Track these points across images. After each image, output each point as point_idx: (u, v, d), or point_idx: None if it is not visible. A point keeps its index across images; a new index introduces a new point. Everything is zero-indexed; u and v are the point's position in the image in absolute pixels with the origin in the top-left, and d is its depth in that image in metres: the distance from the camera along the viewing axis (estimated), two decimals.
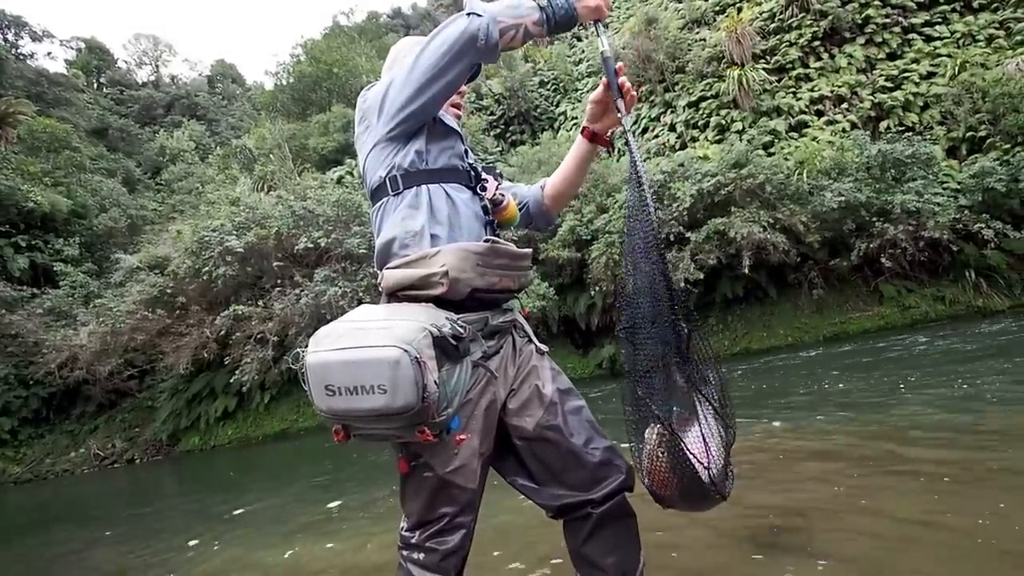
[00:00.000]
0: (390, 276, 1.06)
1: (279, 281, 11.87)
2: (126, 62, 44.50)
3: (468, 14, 1.00)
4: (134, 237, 19.59)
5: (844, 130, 12.53)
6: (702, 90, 14.75)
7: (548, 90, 22.46)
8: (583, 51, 22.00)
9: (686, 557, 1.79)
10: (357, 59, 22.73)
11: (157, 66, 45.94)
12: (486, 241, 1.08)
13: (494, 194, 1.18)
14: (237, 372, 10.93)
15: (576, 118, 19.80)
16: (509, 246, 1.12)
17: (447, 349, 0.91)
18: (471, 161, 1.21)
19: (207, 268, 11.67)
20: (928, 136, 11.61)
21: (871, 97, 12.70)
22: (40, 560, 4.16)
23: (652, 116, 16.00)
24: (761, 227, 10.00)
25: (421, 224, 1.06)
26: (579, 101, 20.39)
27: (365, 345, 0.85)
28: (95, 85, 38.09)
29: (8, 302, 15.13)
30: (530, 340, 1.23)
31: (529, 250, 1.21)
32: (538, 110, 22.16)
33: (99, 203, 21.33)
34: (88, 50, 39.43)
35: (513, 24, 1.01)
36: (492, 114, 22.54)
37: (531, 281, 1.28)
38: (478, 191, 1.17)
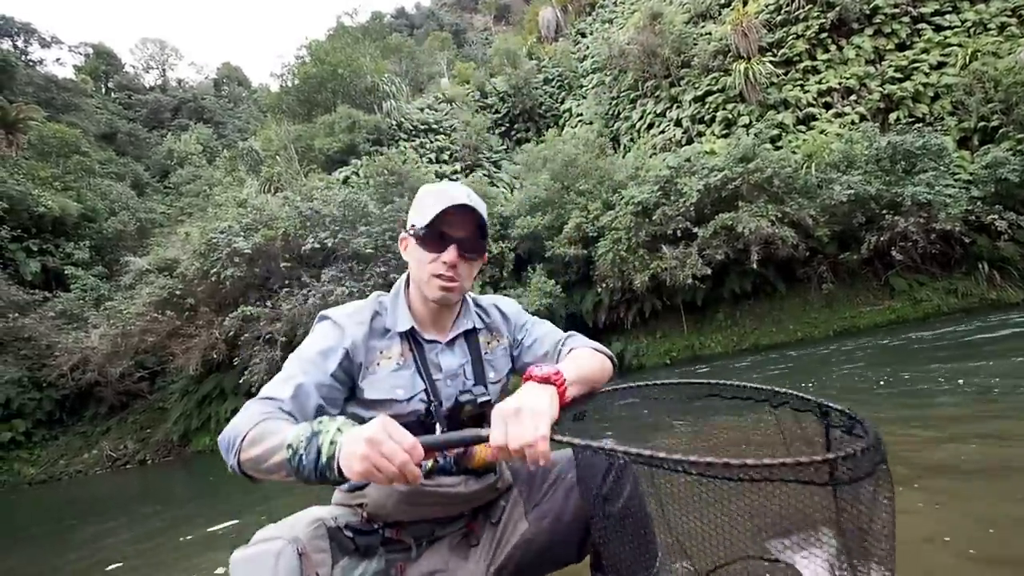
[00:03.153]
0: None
1: (287, 282, 11.94)
2: (133, 67, 45.04)
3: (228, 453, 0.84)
4: (143, 240, 19.82)
5: (853, 122, 12.39)
6: (708, 84, 14.65)
7: (553, 87, 22.41)
8: (587, 47, 21.93)
9: None
10: (361, 59, 22.79)
11: (164, 70, 46.40)
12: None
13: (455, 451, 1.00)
14: (246, 373, 11.01)
15: (581, 115, 19.75)
16: (446, 489, 0.99)
17: (343, 543, 0.90)
18: (432, 405, 1.01)
19: (215, 269, 11.76)
20: (939, 127, 11.45)
21: (880, 88, 12.54)
22: (57, 560, 4.21)
23: (658, 111, 15.92)
24: (769, 221, 9.92)
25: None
26: (584, 98, 20.34)
27: (262, 539, 0.85)
28: (103, 90, 38.53)
29: (21, 306, 15.35)
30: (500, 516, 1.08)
31: (489, 478, 1.05)
32: (543, 107, 22.13)
33: (108, 207, 21.59)
34: (96, 55, 39.86)
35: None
36: (497, 112, 22.54)
37: (497, 490, 1.09)
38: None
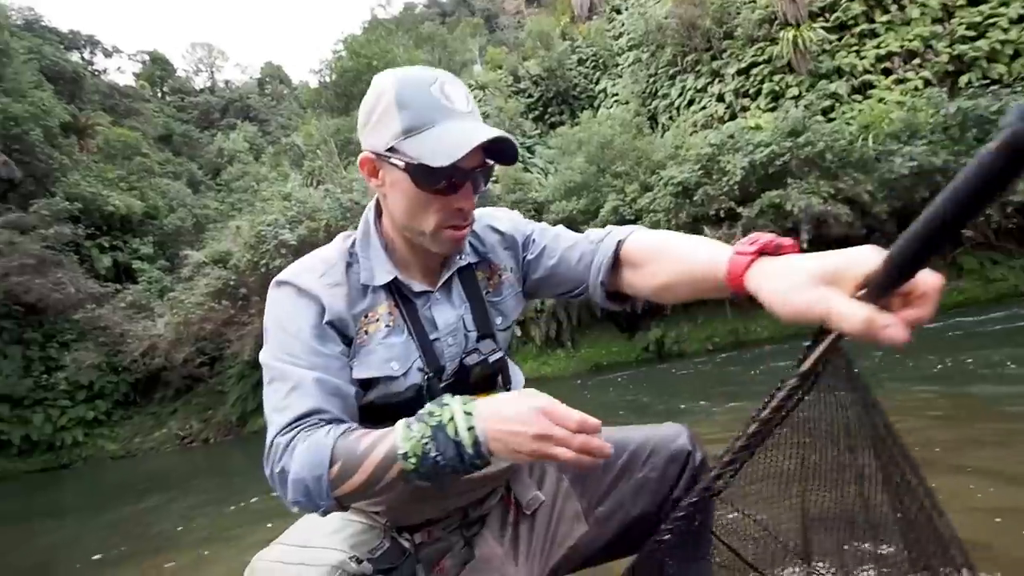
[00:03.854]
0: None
1: None
2: (185, 71, 47.40)
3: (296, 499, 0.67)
4: (199, 234, 21.05)
5: (916, 88, 11.41)
6: (753, 55, 13.87)
7: (587, 67, 21.86)
8: (623, 24, 21.18)
9: None
10: (395, 51, 23.02)
11: (212, 72, 48.56)
12: None
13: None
14: None
15: (617, 95, 19.18)
16: (473, 474, 0.72)
17: None
18: (431, 374, 0.79)
19: (264, 260, 12.36)
20: (1019, 88, 10.38)
21: (949, 50, 11.46)
22: (138, 526, 4.62)
23: (698, 87, 15.24)
24: (821, 198, 9.38)
25: None
26: (620, 77, 19.73)
27: None
28: (159, 94, 40.80)
29: (97, 297, 16.80)
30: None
31: None
32: (577, 88, 21.65)
33: (168, 204, 23.06)
34: (152, 62, 42.20)
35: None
36: (530, 96, 22.25)
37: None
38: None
